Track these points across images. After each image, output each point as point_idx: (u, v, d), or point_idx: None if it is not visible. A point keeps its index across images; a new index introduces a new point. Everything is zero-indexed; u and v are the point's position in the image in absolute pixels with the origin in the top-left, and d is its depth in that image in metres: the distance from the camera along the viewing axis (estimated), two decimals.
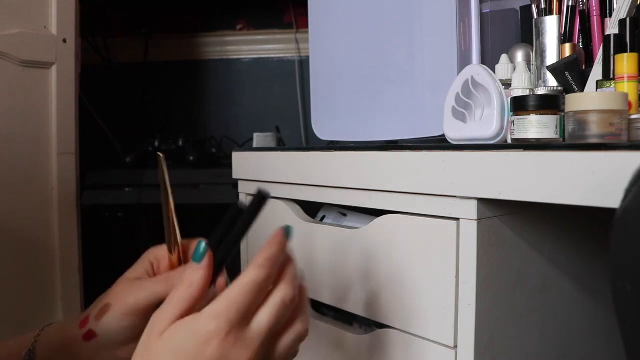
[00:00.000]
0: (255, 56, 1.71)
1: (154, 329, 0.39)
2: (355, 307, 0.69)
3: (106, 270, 1.46)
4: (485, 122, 0.63)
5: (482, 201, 0.54)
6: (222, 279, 0.42)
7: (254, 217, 0.42)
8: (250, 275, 0.40)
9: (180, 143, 1.45)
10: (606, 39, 0.63)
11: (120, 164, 1.43)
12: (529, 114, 0.58)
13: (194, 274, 0.40)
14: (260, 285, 0.40)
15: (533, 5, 0.74)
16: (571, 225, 0.65)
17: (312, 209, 0.80)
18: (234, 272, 0.44)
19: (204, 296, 0.40)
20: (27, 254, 1.05)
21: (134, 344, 0.48)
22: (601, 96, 0.53)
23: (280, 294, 0.41)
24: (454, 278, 0.56)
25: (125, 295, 0.47)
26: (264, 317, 0.40)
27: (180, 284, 0.40)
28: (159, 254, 0.51)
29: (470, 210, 0.54)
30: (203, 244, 0.42)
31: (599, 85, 0.62)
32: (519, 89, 0.67)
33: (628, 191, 0.34)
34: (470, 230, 0.54)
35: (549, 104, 0.58)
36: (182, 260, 0.49)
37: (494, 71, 0.67)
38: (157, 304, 0.47)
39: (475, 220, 0.54)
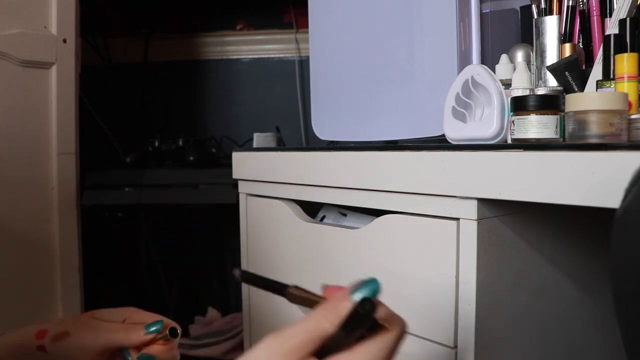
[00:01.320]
0: (255, 56, 1.71)
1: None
2: None
3: (106, 270, 1.46)
4: (485, 122, 0.63)
5: (482, 201, 0.54)
6: None
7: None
8: (393, 338, 0.35)
9: (180, 143, 1.45)
10: (606, 39, 0.63)
11: (120, 164, 1.43)
12: (529, 114, 0.58)
13: (333, 317, 0.34)
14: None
15: (533, 5, 0.74)
16: (571, 225, 0.65)
17: (312, 209, 0.80)
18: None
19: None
20: (27, 254, 1.05)
21: None
22: (601, 96, 0.53)
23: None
24: (454, 278, 0.56)
25: (85, 332, 0.50)
26: None
27: (314, 320, 0.35)
28: (137, 317, 0.53)
29: (470, 210, 0.54)
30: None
31: (599, 85, 0.62)
32: (519, 89, 0.67)
33: (628, 191, 0.34)
34: (470, 230, 0.54)
35: (549, 104, 0.58)
36: None
37: (494, 71, 0.67)
38: (112, 351, 0.49)
39: (475, 220, 0.54)
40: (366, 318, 0.34)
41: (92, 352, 0.50)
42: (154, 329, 0.51)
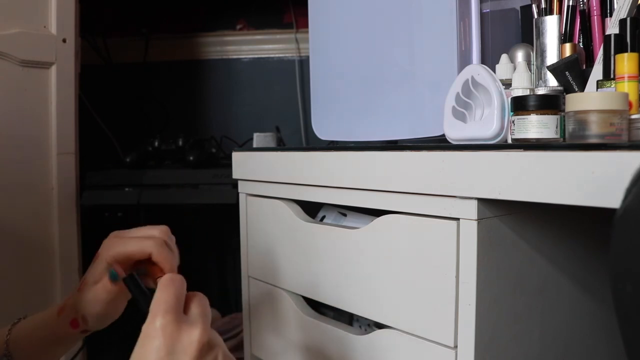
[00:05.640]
0: (255, 56, 1.70)
1: None
2: (355, 307, 0.69)
3: None
4: (486, 122, 0.63)
5: (482, 201, 0.54)
6: None
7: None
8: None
9: (180, 143, 1.45)
10: (606, 38, 0.63)
11: (120, 164, 1.43)
12: (529, 114, 0.58)
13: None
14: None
15: (533, 5, 0.74)
16: (571, 225, 0.65)
17: (312, 209, 0.80)
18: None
19: None
20: (27, 254, 1.05)
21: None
22: (601, 96, 0.53)
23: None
24: (454, 278, 0.56)
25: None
26: None
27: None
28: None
29: (470, 210, 0.54)
30: None
31: (599, 85, 0.62)
32: (519, 88, 0.67)
33: (628, 191, 0.34)
34: (470, 230, 0.54)
35: (549, 104, 0.58)
36: None
37: (494, 71, 0.67)
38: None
39: (475, 220, 0.54)
40: (135, 280, 0.50)
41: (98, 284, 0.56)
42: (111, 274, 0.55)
